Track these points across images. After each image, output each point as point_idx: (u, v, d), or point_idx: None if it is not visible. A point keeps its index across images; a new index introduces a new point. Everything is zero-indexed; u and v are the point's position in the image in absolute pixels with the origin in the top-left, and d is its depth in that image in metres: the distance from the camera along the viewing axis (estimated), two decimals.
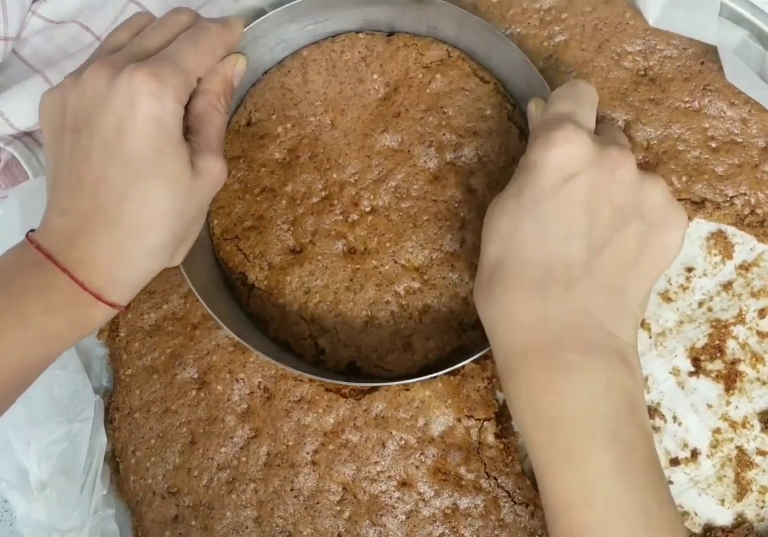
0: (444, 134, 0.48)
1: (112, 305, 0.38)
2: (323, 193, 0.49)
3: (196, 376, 0.48)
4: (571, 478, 0.35)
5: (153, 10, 0.51)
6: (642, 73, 0.51)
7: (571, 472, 0.35)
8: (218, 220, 0.49)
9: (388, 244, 0.48)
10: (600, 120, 0.50)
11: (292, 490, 0.45)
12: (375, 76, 0.49)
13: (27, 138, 0.51)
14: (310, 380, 0.47)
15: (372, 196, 0.48)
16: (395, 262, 0.47)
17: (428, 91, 0.49)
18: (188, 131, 0.41)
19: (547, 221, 0.37)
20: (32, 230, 0.39)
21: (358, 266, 0.48)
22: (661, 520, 0.35)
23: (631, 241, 0.38)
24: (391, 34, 0.51)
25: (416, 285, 0.47)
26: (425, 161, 0.48)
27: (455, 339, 0.47)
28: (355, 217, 0.48)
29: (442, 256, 0.47)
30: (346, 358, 0.47)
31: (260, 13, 0.51)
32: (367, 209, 0.48)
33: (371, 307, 0.47)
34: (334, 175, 0.49)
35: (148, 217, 0.38)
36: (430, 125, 0.49)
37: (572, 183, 0.37)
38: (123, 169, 0.37)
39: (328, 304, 0.47)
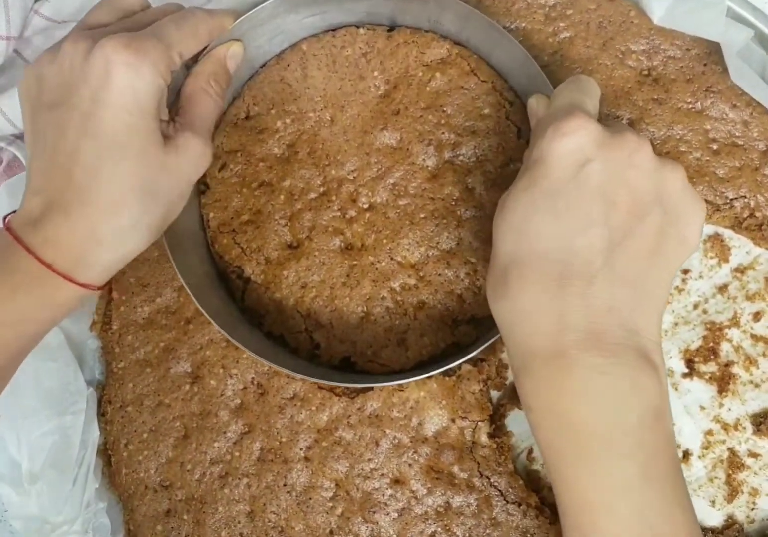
0: (443, 133, 0.49)
1: (84, 286, 0.38)
2: (321, 190, 0.49)
3: (189, 370, 0.48)
4: (592, 484, 0.34)
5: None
6: (646, 72, 0.51)
7: (593, 478, 0.34)
8: (214, 213, 0.50)
9: (384, 241, 0.48)
10: (604, 118, 0.51)
11: (285, 485, 0.46)
12: (375, 73, 0.50)
13: None
14: (304, 378, 0.47)
15: (370, 193, 0.49)
16: (392, 258, 0.48)
17: (428, 89, 0.49)
18: (177, 113, 0.41)
19: (563, 213, 0.36)
20: (15, 212, 0.39)
21: (354, 262, 0.48)
22: (684, 526, 0.35)
23: (652, 231, 0.37)
24: (392, 29, 0.51)
25: (412, 282, 0.48)
26: (424, 159, 0.49)
27: (449, 335, 0.47)
28: (353, 213, 0.49)
29: (438, 253, 0.48)
30: (340, 353, 0.47)
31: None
32: (365, 206, 0.49)
33: (367, 302, 0.48)
34: (333, 172, 0.49)
35: (119, 195, 0.37)
36: (429, 124, 0.49)
37: (587, 169, 0.36)
38: (96, 143, 0.36)
39: (324, 299, 0.48)
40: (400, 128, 0.49)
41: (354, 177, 0.49)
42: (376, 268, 0.48)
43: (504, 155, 0.49)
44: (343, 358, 0.48)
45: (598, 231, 0.35)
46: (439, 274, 0.48)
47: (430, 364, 0.47)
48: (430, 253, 0.48)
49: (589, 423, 0.34)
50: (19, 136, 0.51)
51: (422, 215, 0.48)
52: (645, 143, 0.37)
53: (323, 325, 0.48)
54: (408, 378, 0.45)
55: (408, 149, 0.49)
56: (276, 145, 0.50)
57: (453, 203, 0.48)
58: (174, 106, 0.43)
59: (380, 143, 0.49)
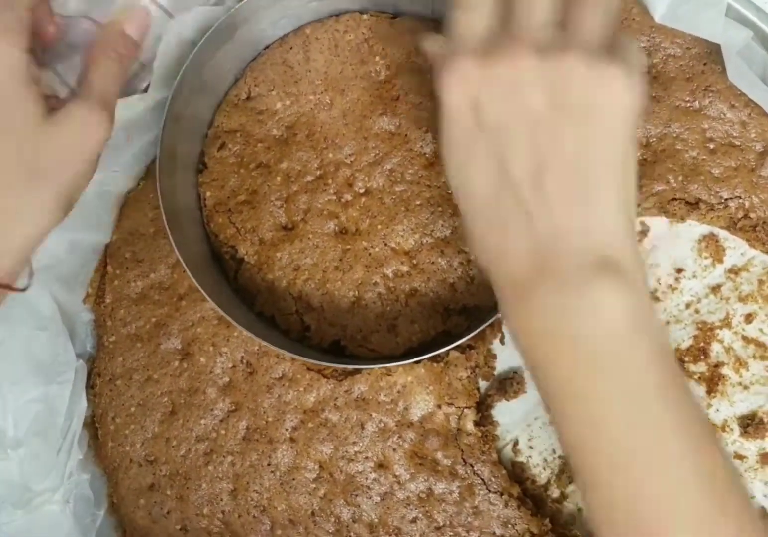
0: None
1: None
2: (318, 172, 0.50)
3: (179, 346, 0.49)
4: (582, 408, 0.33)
5: None
6: (645, 70, 0.52)
7: (580, 403, 0.33)
8: (211, 192, 0.50)
9: (379, 227, 0.49)
10: None
11: (269, 465, 0.47)
12: (377, 59, 0.50)
13: None
14: (293, 359, 0.48)
15: (366, 178, 0.49)
16: (385, 244, 0.49)
17: (428, 76, 0.50)
18: (77, 83, 0.40)
19: (473, 164, 0.35)
20: None
21: (348, 247, 0.49)
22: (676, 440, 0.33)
23: (570, 134, 0.34)
24: (395, 16, 0.52)
25: (405, 268, 0.48)
26: (422, 146, 0.49)
27: (440, 324, 0.48)
28: (349, 197, 0.49)
29: (432, 241, 0.48)
30: (330, 337, 0.48)
31: None
32: (361, 191, 0.49)
33: (359, 287, 0.48)
34: (330, 155, 0.50)
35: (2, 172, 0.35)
36: (429, 110, 0.49)
37: (478, 111, 0.35)
38: None
39: (316, 283, 0.48)
40: (399, 114, 0.49)
41: (351, 161, 0.50)
42: (370, 254, 0.48)
43: None
44: (333, 341, 0.48)
45: (509, 165, 0.34)
46: (433, 262, 0.48)
47: (420, 351, 0.47)
48: (424, 241, 0.48)
49: (555, 360, 0.34)
50: None
51: (418, 202, 0.49)
52: (519, 46, 0.34)
53: (314, 308, 0.48)
54: (397, 362, 0.45)
55: (406, 135, 0.49)
56: (275, 127, 0.51)
57: (449, 191, 0.48)
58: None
59: (378, 128, 0.50)
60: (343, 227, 0.49)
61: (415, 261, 0.48)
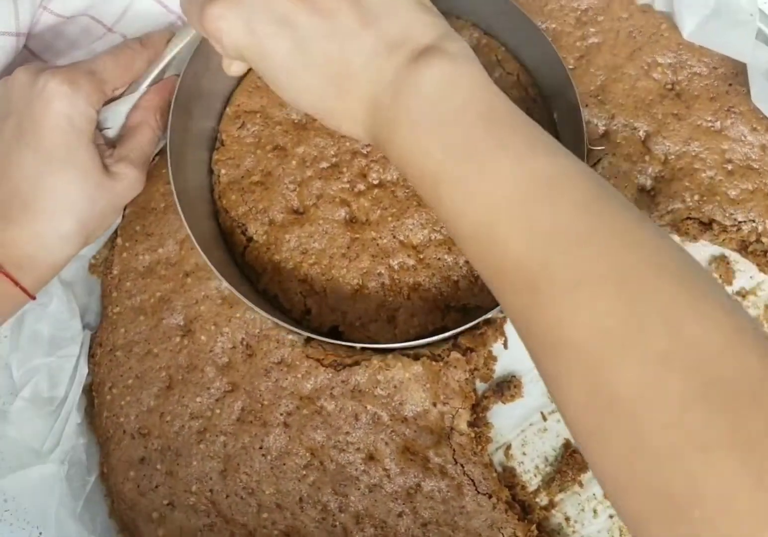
0: None
1: (23, 290, 0.43)
2: (334, 160, 0.51)
3: (182, 323, 0.50)
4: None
5: None
6: (669, 86, 0.53)
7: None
8: (226, 170, 0.52)
9: (389, 219, 0.50)
10: (621, 130, 0.53)
11: (260, 448, 0.47)
12: None
13: None
14: (292, 345, 0.49)
15: (381, 170, 0.51)
16: (394, 236, 0.50)
17: None
18: (118, 141, 0.47)
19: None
20: None
21: (357, 235, 0.50)
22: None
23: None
24: None
25: (411, 262, 0.49)
26: None
27: (438, 319, 0.49)
28: (362, 187, 0.51)
29: (441, 237, 0.50)
30: (330, 322, 0.49)
31: None
32: (375, 182, 0.51)
33: (363, 276, 0.49)
34: (347, 144, 0.51)
35: (61, 204, 0.43)
36: None
37: None
38: (37, 155, 0.42)
39: (322, 267, 0.50)
40: None
41: (367, 152, 0.51)
42: (377, 244, 0.50)
43: None
44: (332, 327, 0.49)
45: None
46: (439, 259, 0.49)
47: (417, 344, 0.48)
48: (433, 237, 0.50)
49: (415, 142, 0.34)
50: None
51: None
52: None
53: (317, 292, 0.50)
54: (395, 349, 0.47)
55: None
56: (294, 111, 0.52)
57: None
58: (118, 136, 0.48)
59: None
60: (354, 216, 0.51)
61: (421, 256, 0.49)
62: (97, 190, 0.44)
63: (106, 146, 0.47)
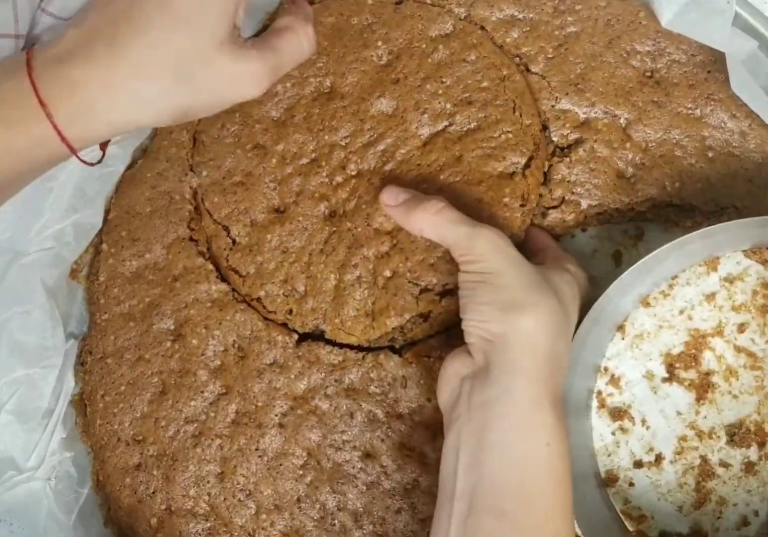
0: (439, 102, 0.52)
1: (63, 140, 0.38)
2: (313, 155, 0.52)
3: (172, 327, 0.51)
4: None
5: None
6: (648, 74, 0.55)
7: None
8: (207, 171, 0.53)
9: (363, 207, 0.51)
10: (602, 117, 0.55)
11: (257, 449, 0.49)
12: (379, 44, 0.53)
13: None
14: (284, 346, 0.50)
15: (359, 160, 0.52)
16: (368, 224, 0.51)
17: (429, 60, 0.53)
18: (256, 41, 0.41)
19: None
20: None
21: (335, 229, 0.51)
22: None
23: None
24: (400, 2, 0.55)
25: (385, 248, 0.50)
26: (417, 128, 0.52)
27: (414, 306, 0.49)
28: (340, 179, 0.52)
29: None
30: (311, 321, 0.50)
31: None
32: (353, 173, 0.52)
33: (339, 269, 0.51)
34: (326, 137, 0.52)
35: (155, 60, 0.37)
36: (427, 93, 0.52)
37: None
38: (159, 3, 0.37)
39: (302, 265, 0.51)
40: (397, 96, 0.52)
41: (346, 143, 0.52)
42: (353, 235, 0.51)
43: (497, 127, 0.51)
44: (314, 325, 0.51)
45: None
46: (413, 242, 0.50)
47: (395, 334, 0.50)
48: None
49: None
50: None
51: (405, 180, 0.51)
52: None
53: (298, 291, 0.51)
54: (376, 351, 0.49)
55: (402, 117, 0.52)
56: (274, 108, 0.54)
57: (438, 169, 0.51)
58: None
59: (376, 110, 0.52)
60: (333, 210, 0.52)
61: (395, 241, 0.50)
62: (207, 67, 0.38)
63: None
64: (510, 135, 0.51)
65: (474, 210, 0.49)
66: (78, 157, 0.39)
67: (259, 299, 0.52)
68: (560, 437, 0.40)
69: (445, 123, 0.52)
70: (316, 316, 0.51)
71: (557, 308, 0.42)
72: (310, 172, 0.52)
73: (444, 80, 0.52)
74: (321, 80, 0.53)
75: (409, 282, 0.50)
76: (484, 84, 0.52)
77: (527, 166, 0.51)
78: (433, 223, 0.44)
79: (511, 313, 0.40)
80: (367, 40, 0.53)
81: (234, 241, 0.52)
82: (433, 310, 0.50)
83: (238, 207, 0.52)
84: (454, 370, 0.44)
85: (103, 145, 0.45)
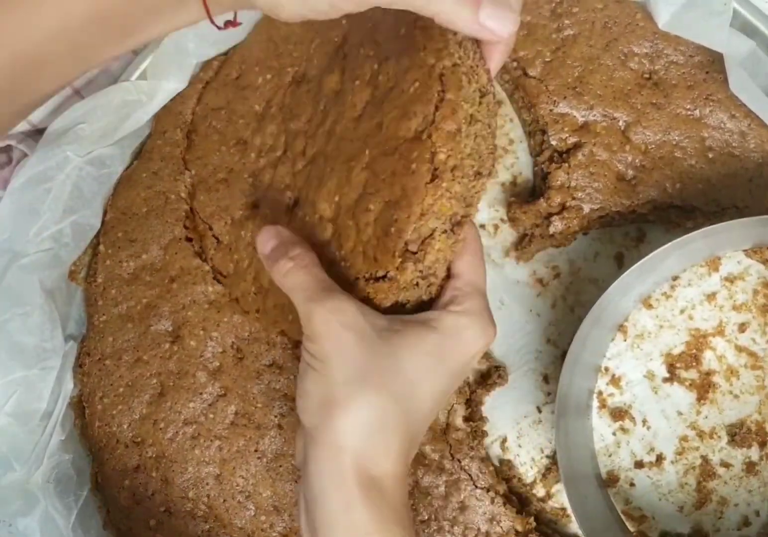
0: (373, 65, 0.44)
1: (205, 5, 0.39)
2: (284, 146, 0.50)
3: (170, 329, 0.51)
4: None
5: None
6: (647, 76, 0.55)
7: None
8: (196, 170, 0.54)
9: (311, 193, 0.46)
10: (601, 120, 0.55)
11: (256, 451, 0.49)
12: (343, 22, 0.49)
13: (39, 136, 0.54)
14: (283, 347, 0.51)
15: (313, 143, 0.48)
16: (314, 212, 0.45)
17: (369, 25, 0.47)
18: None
19: None
20: None
21: (292, 219, 0.47)
22: None
23: None
24: None
25: (326, 236, 0.44)
26: (351, 98, 0.45)
27: (362, 291, 0.42)
28: (300, 167, 0.48)
29: (349, 202, 0.42)
30: (273, 319, 0.47)
31: None
32: (309, 158, 0.48)
33: None
34: (292, 125, 0.50)
35: None
36: (362, 58, 0.46)
37: None
38: None
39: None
40: (342, 70, 0.48)
41: (307, 129, 0.49)
42: (305, 224, 0.45)
43: (406, 76, 0.41)
44: (275, 322, 0.48)
45: None
46: (348, 227, 0.42)
47: None
48: (342, 203, 0.43)
49: None
50: (29, 135, 0.55)
51: (341, 160, 0.44)
52: None
53: (265, 289, 0.48)
54: None
55: (342, 90, 0.47)
56: (257, 102, 0.53)
57: (364, 142, 0.43)
58: None
59: (328, 89, 0.48)
60: (296, 198, 0.48)
61: (335, 226, 0.44)
62: None
63: None
64: (417, 84, 0.40)
65: (388, 186, 0.40)
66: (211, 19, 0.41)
67: (237, 300, 0.51)
68: (377, 528, 0.36)
69: (372, 87, 0.44)
70: (276, 313, 0.47)
71: (380, 403, 0.37)
72: (278, 163, 0.50)
73: (377, 40, 0.45)
74: (297, 68, 0.52)
75: (347, 270, 0.42)
76: (402, 31, 0.43)
77: (432, 120, 0.39)
78: (282, 286, 0.41)
79: (324, 408, 0.37)
80: (335, 22, 0.44)
81: (218, 240, 0.52)
82: (380, 296, 0.41)
83: (219, 204, 0.52)
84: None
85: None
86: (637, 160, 0.55)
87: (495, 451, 0.53)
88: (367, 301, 0.41)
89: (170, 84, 0.54)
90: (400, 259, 0.39)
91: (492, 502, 0.49)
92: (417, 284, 0.41)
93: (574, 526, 0.52)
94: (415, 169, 0.39)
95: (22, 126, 0.54)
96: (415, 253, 0.39)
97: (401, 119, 0.40)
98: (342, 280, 0.42)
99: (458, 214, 0.40)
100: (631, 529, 0.52)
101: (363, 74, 0.45)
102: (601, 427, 0.54)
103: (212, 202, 0.53)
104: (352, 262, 0.42)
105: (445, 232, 0.40)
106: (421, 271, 0.40)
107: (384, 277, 0.40)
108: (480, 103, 0.40)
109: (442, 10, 0.36)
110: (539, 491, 0.52)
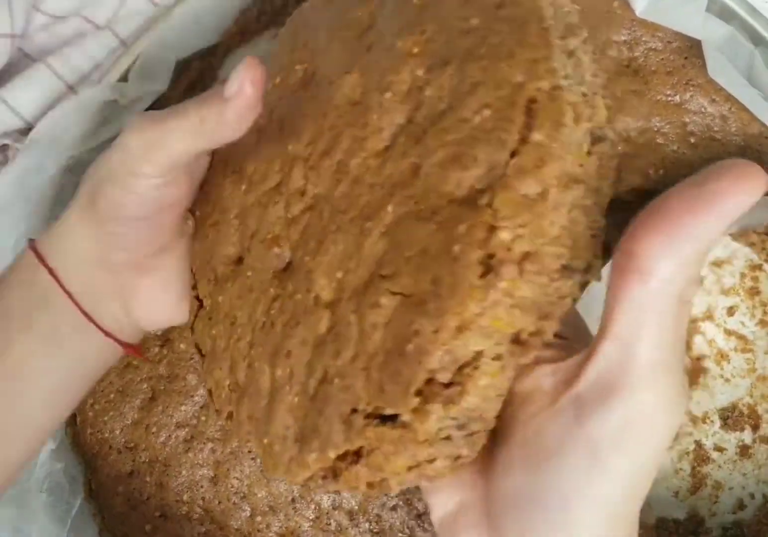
0: (416, 70, 0.29)
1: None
2: (278, 176, 0.35)
3: (159, 332, 0.51)
4: None
5: None
6: (626, 64, 0.56)
7: None
8: (199, 209, 0.41)
9: (306, 259, 0.32)
10: None
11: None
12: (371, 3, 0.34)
13: None
14: None
15: (316, 179, 0.33)
16: (308, 289, 0.31)
17: (411, 5, 0.31)
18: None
19: None
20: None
21: (280, 291, 0.33)
22: None
23: None
24: None
25: (320, 330, 0.30)
26: (377, 118, 0.30)
27: (340, 437, 0.28)
28: (296, 211, 0.34)
29: (356, 284, 0.28)
30: (246, 431, 0.35)
31: None
32: (310, 200, 0.33)
33: (272, 359, 0.32)
34: (290, 147, 0.35)
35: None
36: (397, 55, 0.30)
37: None
38: None
39: (245, 345, 0.35)
40: (363, 70, 0.32)
41: (309, 153, 0.34)
42: (293, 303, 0.32)
43: (473, 97, 0.26)
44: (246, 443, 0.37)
45: None
46: (350, 324, 0.28)
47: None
48: (346, 284, 0.29)
49: None
50: (24, 132, 0.54)
51: (351, 214, 0.30)
52: None
53: (241, 389, 0.35)
54: None
55: (361, 103, 0.32)
56: (261, 116, 0.34)
57: (388, 193, 0.28)
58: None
59: (340, 96, 0.33)
60: (289, 260, 0.34)
61: (335, 319, 0.29)
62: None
63: None
64: (488, 112, 0.25)
65: (412, 272, 0.26)
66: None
67: (210, 392, 0.38)
68: None
69: (411, 105, 0.29)
70: (249, 428, 0.34)
71: None
72: (269, 201, 0.35)
73: (424, 29, 0.29)
74: (307, 66, 0.37)
75: (336, 392, 0.28)
76: (474, 20, 0.27)
77: (503, 175, 0.24)
78: None
79: None
80: (357, 2, 0.35)
81: (200, 304, 0.39)
82: (364, 447, 0.27)
83: (205, 256, 0.39)
84: None
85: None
86: (618, 148, 0.55)
87: None
88: (366, 453, 0.27)
89: (154, 86, 0.54)
90: (418, 398, 0.25)
91: None
92: (449, 437, 0.26)
93: None
94: (458, 254, 0.24)
95: (16, 124, 0.54)
96: (447, 386, 0.25)
97: (451, 166, 0.26)
98: (332, 405, 0.28)
99: (525, 330, 0.25)
100: None
101: (398, 82, 0.30)
102: None
103: (201, 251, 0.40)
104: (349, 381, 0.27)
105: (498, 357, 0.25)
106: (455, 419, 0.25)
107: (393, 417, 0.26)
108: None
109: None
110: None
